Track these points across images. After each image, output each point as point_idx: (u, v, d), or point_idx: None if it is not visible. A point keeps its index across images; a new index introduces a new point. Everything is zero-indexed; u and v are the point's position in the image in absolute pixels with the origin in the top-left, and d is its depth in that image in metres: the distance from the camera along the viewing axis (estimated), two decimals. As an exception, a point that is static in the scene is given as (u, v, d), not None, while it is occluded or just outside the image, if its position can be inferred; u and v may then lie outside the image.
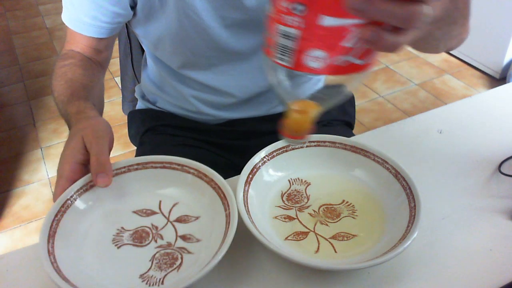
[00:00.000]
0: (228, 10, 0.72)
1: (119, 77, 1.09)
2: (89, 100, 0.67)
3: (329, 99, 0.44)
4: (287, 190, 0.64)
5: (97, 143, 0.57)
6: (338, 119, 0.91)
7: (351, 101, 0.97)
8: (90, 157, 0.56)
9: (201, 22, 0.72)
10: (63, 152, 0.58)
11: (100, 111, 0.74)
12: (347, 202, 0.62)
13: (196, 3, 0.70)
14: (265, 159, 0.64)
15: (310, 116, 0.48)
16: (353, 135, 0.90)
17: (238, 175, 0.61)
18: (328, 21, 0.35)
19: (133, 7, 0.73)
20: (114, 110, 2.25)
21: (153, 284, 0.51)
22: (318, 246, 0.56)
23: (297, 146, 0.67)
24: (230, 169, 0.83)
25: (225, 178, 0.60)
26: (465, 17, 0.56)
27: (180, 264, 0.54)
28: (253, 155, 0.63)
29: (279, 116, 0.86)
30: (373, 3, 0.33)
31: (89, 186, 0.59)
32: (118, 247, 0.56)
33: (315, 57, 0.36)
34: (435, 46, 0.59)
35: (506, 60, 2.31)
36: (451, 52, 2.60)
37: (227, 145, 0.86)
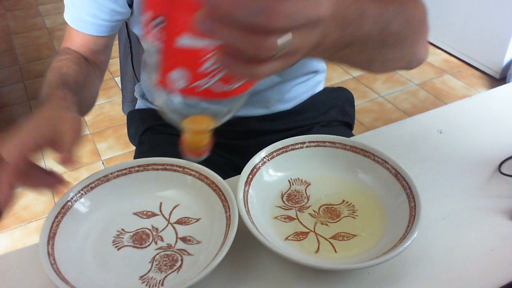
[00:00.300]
0: None
1: (119, 77, 1.09)
2: (77, 96, 0.65)
3: (221, 116, 0.43)
4: (287, 190, 0.64)
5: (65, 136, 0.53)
6: (337, 120, 0.91)
7: (350, 101, 0.96)
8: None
9: None
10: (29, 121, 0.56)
11: (82, 112, 0.72)
12: (347, 202, 0.62)
13: None
14: (265, 159, 0.64)
15: (206, 133, 0.48)
16: (353, 135, 0.90)
17: (238, 175, 0.61)
18: (184, 41, 0.34)
19: (131, 5, 0.74)
20: (114, 110, 2.26)
21: (153, 286, 0.51)
22: (318, 246, 0.56)
23: (297, 147, 0.67)
24: (230, 168, 0.83)
25: (224, 178, 0.60)
26: (408, 41, 0.54)
27: (180, 265, 0.54)
28: (253, 155, 0.63)
29: (278, 115, 0.87)
30: (222, 26, 0.32)
31: (89, 188, 0.59)
32: (118, 249, 0.56)
33: (178, 78, 0.36)
34: (366, 68, 0.56)
35: (506, 60, 2.30)
36: (451, 52, 2.61)
37: (226, 144, 0.86)
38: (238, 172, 0.61)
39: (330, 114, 0.90)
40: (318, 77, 0.92)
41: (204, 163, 0.62)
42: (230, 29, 0.32)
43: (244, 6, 0.31)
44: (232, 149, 0.86)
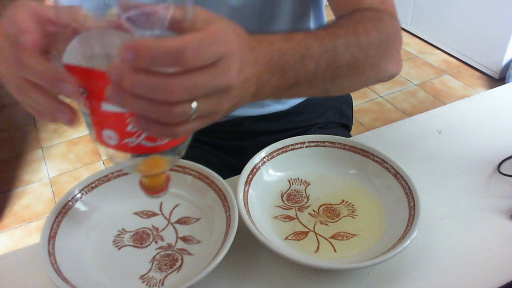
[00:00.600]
0: (213, 8, 0.73)
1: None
2: None
3: (168, 162, 0.46)
4: (287, 190, 0.64)
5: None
6: (335, 122, 0.91)
7: (348, 102, 0.96)
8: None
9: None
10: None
11: None
12: (346, 202, 0.62)
13: None
14: (265, 159, 0.64)
15: (162, 174, 0.50)
16: (350, 137, 0.90)
17: (238, 175, 0.61)
18: (106, 106, 0.37)
19: None
20: (113, 111, 2.25)
21: (153, 285, 0.51)
22: (318, 246, 0.56)
23: (297, 147, 0.67)
24: (228, 169, 0.83)
25: (223, 178, 0.60)
26: (366, 67, 0.55)
27: (181, 265, 0.54)
28: (250, 156, 0.64)
29: (275, 116, 0.87)
30: (129, 98, 0.33)
31: (90, 188, 0.59)
32: (119, 248, 0.56)
33: (109, 136, 0.39)
34: (324, 95, 0.58)
35: (505, 60, 2.31)
36: (450, 52, 2.61)
37: (224, 145, 0.86)
38: (235, 172, 0.62)
39: (328, 116, 0.90)
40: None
41: (201, 163, 0.62)
42: (137, 100, 0.33)
43: (142, 84, 0.33)
44: (229, 149, 0.86)
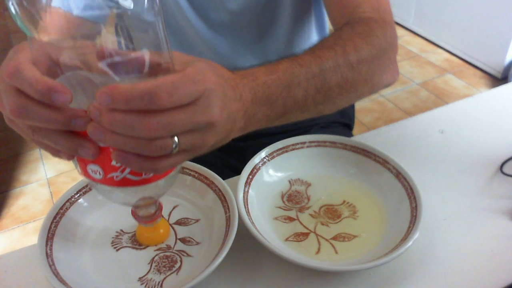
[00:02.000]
0: (211, 12, 0.73)
1: (119, 78, 1.08)
2: None
3: (158, 196, 0.48)
4: (288, 191, 0.64)
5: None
6: (336, 121, 0.91)
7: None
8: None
9: (187, 21, 0.73)
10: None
11: None
12: (348, 203, 0.62)
13: (181, 3, 0.71)
14: (265, 160, 0.64)
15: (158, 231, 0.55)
16: (352, 136, 0.89)
17: (238, 176, 0.61)
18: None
19: None
20: (114, 111, 2.25)
21: (152, 287, 0.51)
22: (319, 247, 0.56)
23: (297, 147, 0.66)
24: (228, 169, 0.83)
25: (222, 179, 0.60)
26: (359, 84, 0.56)
27: (180, 267, 0.53)
28: (251, 156, 0.63)
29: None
30: (110, 134, 0.35)
31: (88, 188, 0.59)
32: (117, 250, 0.55)
33: (95, 171, 0.40)
34: (318, 115, 0.58)
35: (507, 60, 2.30)
36: (452, 51, 2.60)
37: (224, 145, 0.86)
38: (235, 173, 0.61)
39: (329, 115, 0.90)
40: None
41: (201, 163, 0.61)
42: (116, 136, 0.35)
43: (119, 122, 0.34)
44: (229, 150, 0.86)
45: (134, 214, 0.50)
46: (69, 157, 0.39)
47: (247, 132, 0.48)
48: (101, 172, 0.39)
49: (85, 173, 0.41)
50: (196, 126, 0.37)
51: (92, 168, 0.40)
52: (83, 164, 0.40)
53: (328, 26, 0.85)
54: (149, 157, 0.36)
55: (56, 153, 0.40)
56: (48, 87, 0.34)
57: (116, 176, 0.40)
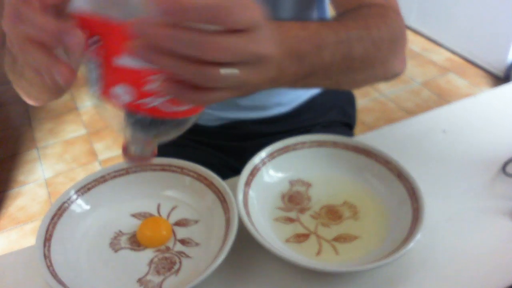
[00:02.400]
0: None
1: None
2: None
3: (169, 136, 0.42)
4: (288, 192, 0.63)
5: None
6: (338, 121, 0.90)
7: (351, 102, 0.95)
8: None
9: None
10: None
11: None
12: (349, 204, 0.61)
13: None
14: (265, 160, 0.63)
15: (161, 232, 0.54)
16: (353, 136, 0.89)
17: (238, 176, 0.60)
18: (123, 61, 0.33)
19: None
20: (113, 110, 2.25)
21: (151, 289, 0.50)
22: (320, 248, 0.55)
23: (298, 147, 0.66)
24: (227, 170, 0.83)
25: (222, 179, 0.59)
26: (377, 61, 0.55)
27: (179, 268, 0.53)
28: (251, 157, 0.62)
29: (277, 118, 0.86)
30: (160, 55, 0.31)
31: (86, 189, 0.59)
32: (116, 251, 0.55)
33: (122, 93, 0.35)
34: (335, 88, 0.58)
35: (510, 59, 2.29)
36: (454, 50, 2.59)
37: (224, 146, 0.85)
38: (235, 173, 0.61)
39: (330, 115, 0.89)
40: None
41: (200, 164, 0.61)
42: (169, 58, 0.32)
43: (179, 39, 0.31)
44: (230, 151, 0.85)
45: (125, 150, 0.44)
46: (67, 80, 0.35)
47: (273, 87, 0.46)
48: (129, 97, 0.35)
49: (106, 94, 0.36)
50: (252, 57, 0.35)
51: (118, 90, 0.35)
52: (107, 84, 0.36)
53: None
54: (198, 88, 0.34)
55: (39, 76, 0.36)
56: (58, 29, 0.32)
57: (147, 103, 0.35)
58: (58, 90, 0.58)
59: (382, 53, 0.55)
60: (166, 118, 0.38)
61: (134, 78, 0.34)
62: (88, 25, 0.33)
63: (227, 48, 0.32)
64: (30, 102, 0.66)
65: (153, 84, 0.34)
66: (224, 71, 0.33)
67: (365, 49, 0.52)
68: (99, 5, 0.33)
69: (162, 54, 0.31)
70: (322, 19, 0.50)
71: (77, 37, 0.33)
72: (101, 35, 0.33)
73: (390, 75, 0.61)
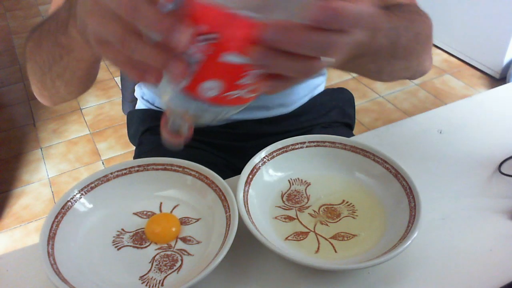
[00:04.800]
0: None
1: (119, 77, 1.09)
2: None
3: (221, 117, 0.42)
4: (287, 190, 0.64)
5: None
6: (338, 121, 0.91)
7: (350, 102, 0.96)
8: None
9: None
10: None
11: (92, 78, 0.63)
12: (347, 202, 0.62)
13: None
14: (265, 159, 0.64)
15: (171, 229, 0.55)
16: (353, 136, 0.90)
17: (238, 175, 0.61)
18: (229, 57, 0.33)
19: None
20: (114, 110, 2.26)
21: (153, 286, 0.51)
22: (318, 246, 0.56)
23: (297, 147, 0.67)
24: (228, 169, 0.83)
25: (223, 178, 0.60)
26: (414, 53, 0.57)
27: (180, 266, 0.53)
28: (251, 156, 0.63)
29: (278, 118, 0.86)
30: (278, 59, 0.32)
31: (89, 188, 0.59)
32: (118, 249, 0.56)
33: (210, 87, 0.35)
34: (376, 77, 0.60)
35: (506, 60, 2.30)
36: (451, 52, 2.60)
37: (225, 146, 0.86)
38: (237, 172, 0.61)
39: (330, 116, 0.90)
40: (319, 80, 0.92)
41: (202, 163, 0.62)
42: (287, 59, 0.32)
43: (311, 42, 0.31)
44: (231, 150, 0.86)
45: (164, 125, 0.44)
46: (157, 78, 0.34)
47: (367, 52, 0.47)
48: (218, 90, 0.35)
49: (193, 89, 0.35)
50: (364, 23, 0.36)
51: (209, 84, 0.34)
52: (200, 79, 0.34)
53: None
54: (290, 77, 0.35)
55: (142, 74, 0.34)
56: (171, 26, 0.30)
57: (233, 95, 0.35)
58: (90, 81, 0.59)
59: (420, 47, 0.58)
60: (242, 104, 0.38)
61: (232, 73, 0.34)
62: (210, 20, 0.32)
63: (350, 44, 0.33)
64: (44, 101, 0.66)
65: (248, 78, 0.34)
66: (332, 60, 0.34)
67: (409, 39, 0.54)
68: None
69: (281, 58, 0.32)
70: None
71: (187, 35, 0.31)
72: (221, 31, 0.32)
73: (420, 70, 0.63)
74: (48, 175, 1.91)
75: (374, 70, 0.56)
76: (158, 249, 0.56)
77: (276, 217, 0.60)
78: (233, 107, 0.38)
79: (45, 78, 0.59)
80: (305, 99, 0.89)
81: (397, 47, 0.53)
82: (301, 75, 0.34)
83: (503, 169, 0.68)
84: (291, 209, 0.61)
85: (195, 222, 0.59)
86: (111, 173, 0.61)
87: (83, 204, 0.58)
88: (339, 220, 0.60)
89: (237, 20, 0.31)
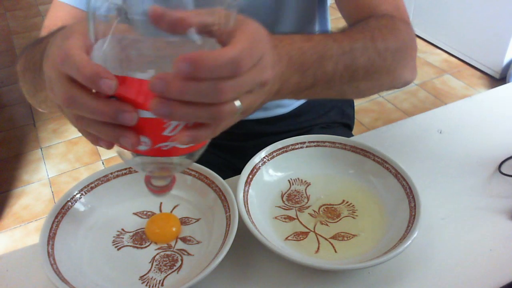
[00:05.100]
0: None
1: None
2: None
3: (185, 167, 0.45)
4: (287, 190, 0.64)
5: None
6: (337, 121, 0.91)
7: (350, 103, 0.96)
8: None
9: None
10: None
11: None
12: (347, 202, 0.62)
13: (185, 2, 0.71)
14: (265, 159, 0.64)
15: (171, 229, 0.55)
16: (352, 136, 0.90)
17: (238, 175, 0.61)
18: (143, 113, 0.35)
19: None
20: (114, 111, 2.25)
21: (153, 286, 0.51)
22: (318, 246, 0.56)
23: (297, 147, 0.67)
24: (228, 169, 0.83)
25: (223, 178, 0.60)
26: (383, 71, 0.56)
27: (180, 266, 0.54)
28: (251, 156, 0.63)
29: (277, 118, 0.86)
30: (176, 108, 0.33)
31: (89, 188, 0.59)
32: (118, 249, 0.56)
33: (141, 142, 0.37)
34: (340, 98, 0.59)
35: (506, 60, 2.30)
36: (451, 52, 2.60)
37: (225, 146, 0.86)
38: (236, 172, 0.61)
39: (329, 116, 0.90)
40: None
41: (202, 163, 0.62)
42: (184, 108, 0.34)
43: (192, 90, 0.33)
44: (231, 150, 0.86)
45: (147, 182, 0.46)
46: (109, 146, 0.38)
47: (277, 99, 0.48)
48: (148, 143, 0.37)
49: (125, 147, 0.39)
50: (255, 86, 0.37)
51: (141, 138, 0.37)
52: None
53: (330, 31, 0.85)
54: (208, 124, 0.36)
55: (96, 141, 0.39)
56: (94, 72, 0.33)
57: (165, 146, 0.38)
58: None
59: (387, 63, 0.56)
60: (185, 154, 0.40)
61: (152, 127, 0.36)
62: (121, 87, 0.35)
63: (237, 87, 0.34)
64: (46, 111, 0.68)
65: (170, 128, 0.36)
66: (228, 106, 0.35)
67: (369, 59, 0.53)
68: (112, 63, 0.35)
69: (180, 106, 0.33)
70: (325, 32, 0.51)
71: (132, 113, 0.35)
72: (120, 93, 0.35)
73: (397, 84, 0.62)
74: (48, 175, 1.91)
75: (335, 95, 0.56)
76: (158, 249, 0.56)
77: (276, 217, 0.60)
78: (182, 157, 0.40)
79: (32, 100, 0.61)
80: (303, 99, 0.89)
81: (355, 69, 0.52)
82: (215, 121, 0.36)
83: (503, 169, 0.68)
84: (291, 209, 0.61)
85: (195, 222, 0.59)
86: (111, 173, 0.61)
87: (83, 204, 0.58)
88: (339, 220, 0.60)
89: (124, 80, 0.34)
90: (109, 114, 0.35)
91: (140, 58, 0.35)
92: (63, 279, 0.48)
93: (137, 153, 0.39)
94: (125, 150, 0.39)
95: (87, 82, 0.34)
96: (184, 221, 0.59)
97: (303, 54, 0.47)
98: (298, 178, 0.66)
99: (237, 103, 0.36)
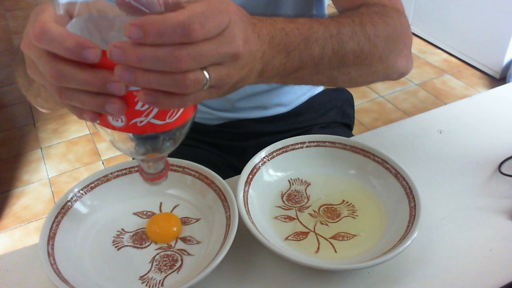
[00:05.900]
0: None
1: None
2: None
3: (168, 148, 0.44)
4: (287, 190, 0.64)
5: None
6: (337, 121, 0.91)
7: (350, 102, 0.96)
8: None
9: None
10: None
11: None
12: (347, 202, 0.62)
13: None
14: (265, 159, 0.64)
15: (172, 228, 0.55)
16: (352, 136, 0.90)
17: (238, 175, 0.61)
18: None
19: None
20: (114, 111, 2.25)
21: (153, 286, 0.51)
22: (318, 246, 0.56)
23: (297, 147, 0.67)
24: (228, 169, 0.83)
25: (223, 178, 0.60)
26: (374, 58, 0.55)
27: (180, 266, 0.54)
28: (251, 156, 0.63)
29: (277, 118, 0.87)
30: (138, 74, 0.33)
31: (89, 188, 0.59)
32: (118, 249, 0.56)
33: (116, 118, 0.37)
34: (332, 85, 0.58)
35: (506, 60, 2.30)
36: (451, 52, 2.61)
37: (225, 145, 0.86)
38: (236, 172, 0.61)
39: (329, 116, 0.90)
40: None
41: (202, 163, 0.62)
42: (146, 74, 0.33)
43: (149, 57, 0.33)
44: (231, 150, 0.86)
45: (141, 170, 0.47)
46: (93, 118, 0.38)
47: (262, 81, 0.47)
48: (123, 119, 0.37)
49: (104, 122, 0.39)
50: (223, 58, 0.36)
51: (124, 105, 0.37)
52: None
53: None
54: (179, 94, 0.36)
55: (80, 114, 0.38)
56: (77, 43, 0.33)
57: (140, 122, 0.38)
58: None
59: (379, 50, 0.55)
60: (163, 131, 0.39)
61: (126, 100, 0.36)
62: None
63: (195, 56, 0.34)
64: (43, 111, 0.68)
65: (141, 102, 0.37)
66: (193, 75, 0.35)
67: (359, 44, 0.52)
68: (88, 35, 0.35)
69: (142, 73, 0.33)
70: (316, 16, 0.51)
71: (120, 82, 0.34)
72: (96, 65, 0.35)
73: (392, 73, 0.61)
74: (48, 175, 1.91)
75: (326, 80, 0.55)
76: (158, 249, 0.56)
77: (276, 217, 0.60)
78: (171, 131, 0.40)
79: (27, 94, 0.61)
80: (303, 98, 0.89)
81: (344, 54, 0.51)
82: (180, 89, 0.35)
83: (503, 169, 0.68)
84: (291, 209, 0.61)
85: (195, 222, 0.59)
86: (111, 173, 0.61)
87: (83, 204, 0.58)
88: (339, 220, 0.60)
89: (105, 73, 0.34)
90: (98, 84, 0.34)
91: (111, 31, 0.36)
92: (63, 279, 0.48)
93: (114, 129, 0.39)
94: (107, 128, 0.39)
95: (70, 54, 0.33)
96: (184, 221, 0.59)
97: (286, 35, 0.46)
98: (298, 178, 0.66)
99: (205, 74, 0.36)
